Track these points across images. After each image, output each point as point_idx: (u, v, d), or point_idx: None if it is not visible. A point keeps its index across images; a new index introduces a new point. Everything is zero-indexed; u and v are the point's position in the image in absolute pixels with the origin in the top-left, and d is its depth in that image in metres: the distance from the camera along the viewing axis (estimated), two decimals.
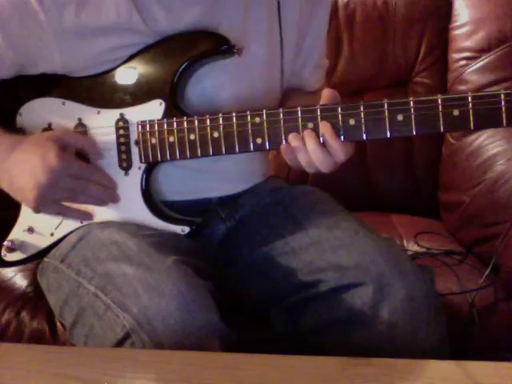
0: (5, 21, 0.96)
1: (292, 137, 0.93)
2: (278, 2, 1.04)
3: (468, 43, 1.61)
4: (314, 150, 0.92)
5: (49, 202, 0.99)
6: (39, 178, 0.94)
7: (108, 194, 1.02)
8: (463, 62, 1.62)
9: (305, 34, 1.12)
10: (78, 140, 1.00)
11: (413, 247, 1.41)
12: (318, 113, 0.92)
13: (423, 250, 1.39)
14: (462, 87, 1.60)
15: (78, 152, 1.00)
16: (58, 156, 0.94)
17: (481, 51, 1.59)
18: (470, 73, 1.60)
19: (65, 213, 1.03)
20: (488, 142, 1.50)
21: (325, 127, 0.92)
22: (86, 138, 1.02)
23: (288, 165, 0.97)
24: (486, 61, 1.58)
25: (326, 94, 0.94)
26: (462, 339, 1.16)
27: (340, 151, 0.92)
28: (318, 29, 1.14)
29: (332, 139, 0.91)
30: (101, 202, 1.02)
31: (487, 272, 1.22)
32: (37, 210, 1.00)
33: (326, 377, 0.75)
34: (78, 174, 0.97)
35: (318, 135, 0.92)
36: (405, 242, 1.45)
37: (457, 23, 1.65)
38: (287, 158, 0.95)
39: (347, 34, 1.69)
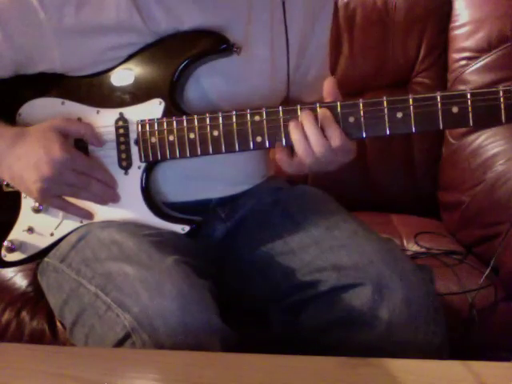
0: (5, 19, 0.96)
1: (292, 124, 0.93)
2: (283, 3, 1.03)
3: (468, 43, 1.61)
4: (309, 127, 0.92)
5: (51, 195, 0.99)
6: (43, 171, 0.95)
7: (109, 193, 1.02)
8: (463, 62, 1.62)
9: (308, 40, 1.11)
10: (79, 127, 1.00)
11: (413, 247, 1.41)
12: (317, 111, 0.92)
13: (423, 250, 1.39)
14: (462, 87, 1.59)
15: (79, 147, 1.01)
16: (62, 149, 0.95)
17: (481, 51, 1.59)
18: (470, 73, 1.60)
19: (66, 208, 1.03)
20: (488, 142, 1.50)
21: (323, 113, 0.92)
22: (86, 124, 1.01)
23: None
24: (485, 61, 1.58)
25: (328, 88, 0.94)
26: (462, 339, 1.16)
27: (337, 136, 0.91)
28: (320, 36, 1.13)
29: (330, 124, 0.91)
30: (102, 200, 1.02)
31: (487, 272, 1.22)
32: (40, 202, 1.00)
33: (325, 377, 0.75)
34: (81, 168, 0.98)
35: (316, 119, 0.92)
36: (405, 242, 1.44)
37: (457, 23, 1.65)
38: (295, 136, 0.93)
39: (347, 34, 1.69)
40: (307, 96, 1.17)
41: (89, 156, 1.02)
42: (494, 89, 0.87)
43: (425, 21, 1.67)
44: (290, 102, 1.13)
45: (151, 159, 1.00)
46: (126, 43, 0.99)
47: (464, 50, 1.62)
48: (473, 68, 1.60)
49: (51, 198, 0.99)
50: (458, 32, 1.64)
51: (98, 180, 1.00)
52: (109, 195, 1.02)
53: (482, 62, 1.58)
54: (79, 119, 1.02)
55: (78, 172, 0.97)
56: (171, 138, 0.98)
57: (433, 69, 1.68)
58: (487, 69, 1.58)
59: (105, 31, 0.97)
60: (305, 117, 0.93)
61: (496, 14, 1.59)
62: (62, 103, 1.03)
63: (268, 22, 1.04)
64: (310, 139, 0.92)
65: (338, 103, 0.92)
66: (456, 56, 1.64)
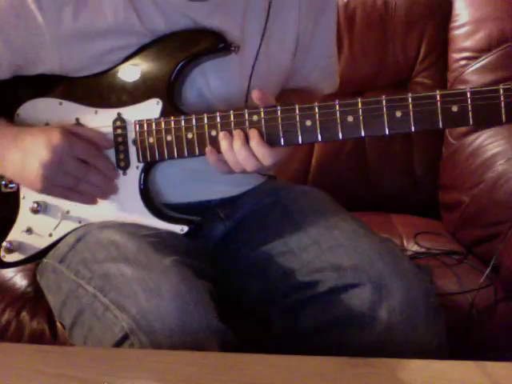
0: (3, 24, 0.96)
1: (222, 135, 0.94)
2: (270, 3, 1.03)
3: (468, 43, 1.61)
4: (239, 149, 0.93)
5: (53, 184, 0.98)
6: (43, 157, 0.94)
7: (108, 184, 1.01)
8: (463, 62, 1.62)
9: (309, 42, 1.11)
10: (83, 132, 1.00)
11: (413, 247, 1.41)
12: (316, 110, 0.92)
13: (423, 250, 1.39)
14: (462, 87, 1.59)
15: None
16: (62, 134, 0.95)
17: (481, 51, 1.59)
18: (470, 73, 1.60)
19: (70, 196, 1.02)
20: (488, 142, 1.49)
21: (252, 133, 0.93)
22: (89, 129, 1.01)
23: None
24: (486, 61, 1.58)
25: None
26: (462, 339, 1.16)
27: (268, 156, 0.93)
28: (323, 35, 1.13)
29: (258, 146, 0.92)
30: (101, 191, 1.02)
31: (487, 272, 1.22)
32: (43, 192, 1.00)
33: (325, 377, 0.75)
34: (80, 154, 0.97)
35: (246, 136, 0.93)
36: (405, 242, 1.44)
37: (457, 23, 1.65)
38: (212, 158, 0.96)
39: (347, 34, 1.69)
40: (322, 90, 1.22)
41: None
42: (494, 87, 0.86)
43: (425, 21, 1.67)
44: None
45: (149, 159, 1.00)
46: (125, 45, 0.99)
47: (464, 49, 1.62)
48: (473, 68, 1.60)
49: (53, 186, 0.98)
50: (458, 32, 1.64)
51: (97, 169, 0.99)
52: (108, 186, 1.01)
53: (482, 62, 1.58)
54: (77, 119, 1.02)
55: (78, 159, 0.97)
56: (169, 138, 0.98)
57: (433, 69, 1.68)
58: (487, 69, 1.58)
59: (103, 34, 0.97)
60: (236, 137, 0.94)
61: (496, 14, 1.59)
62: (60, 103, 1.03)
63: (261, 22, 1.03)
64: (238, 157, 0.93)
65: (337, 102, 0.91)
66: (456, 56, 1.64)
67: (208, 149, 0.96)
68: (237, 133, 0.94)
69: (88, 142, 0.99)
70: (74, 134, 0.98)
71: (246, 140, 0.93)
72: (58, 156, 0.95)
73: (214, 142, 0.96)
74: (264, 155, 0.93)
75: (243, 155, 0.93)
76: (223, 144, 0.94)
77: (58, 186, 0.99)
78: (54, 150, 0.94)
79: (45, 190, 0.99)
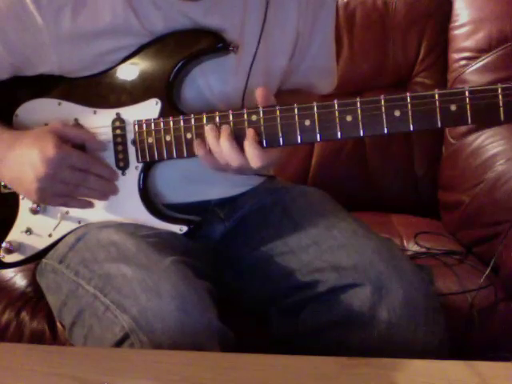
0: (2, 25, 0.96)
1: (209, 127, 0.94)
2: (267, 2, 1.03)
3: (468, 43, 1.61)
4: (224, 142, 0.92)
5: (50, 195, 0.98)
6: (38, 170, 0.94)
7: (108, 186, 1.01)
8: (463, 62, 1.62)
9: (308, 40, 1.11)
10: (77, 134, 1.00)
11: (413, 247, 1.41)
12: (315, 110, 0.92)
13: (423, 249, 1.39)
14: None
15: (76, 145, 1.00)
16: (56, 146, 0.94)
17: (481, 51, 1.59)
18: (470, 73, 1.60)
19: (68, 204, 1.02)
20: (488, 142, 1.50)
21: (248, 133, 0.92)
22: (85, 131, 1.01)
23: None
24: (486, 61, 1.58)
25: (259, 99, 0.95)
26: (462, 339, 1.16)
27: (257, 158, 0.92)
28: (322, 35, 1.13)
29: (249, 146, 0.92)
30: (101, 194, 1.02)
31: (487, 272, 1.22)
32: (40, 202, 1.00)
33: (325, 377, 0.75)
34: (76, 165, 0.97)
35: (232, 131, 0.93)
36: (405, 242, 1.44)
37: (457, 23, 1.65)
38: (200, 152, 0.95)
39: (347, 34, 1.69)
40: (320, 89, 1.22)
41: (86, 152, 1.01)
42: (492, 86, 0.86)
43: (425, 21, 1.67)
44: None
45: (148, 159, 1.00)
46: (124, 45, 0.99)
47: (464, 49, 1.62)
48: (473, 68, 1.60)
49: (50, 197, 0.99)
50: (457, 32, 1.64)
51: (95, 175, 0.99)
52: (108, 188, 1.01)
53: (482, 62, 1.58)
54: (76, 120, 1.02)
55: (75, 169, 0.97)
56: (168, 138, 0.98)
57: (433, 69, 1.68)
58: (487, 69, 1.58)
59: (102, 35, 0.97)
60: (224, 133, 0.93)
61: (496, 14, 1.59)
62: (59, 104, 1.03)
63: (259, 21, 1.03)
64: (224, 152, 0.93)
65: (336, 102, 0.91)
66: (456, 56, 1.64)
67: (197, 141, 0.95)
68: (224, 127, 0.93)
69: (83, 148, 0.99)
70: (68, 140, 0.97)
71: (233, 135, 0.93)
72: (53, 169, 0.94)
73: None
74: (253, 156, 0.92)
75: (227, 148, 0.92)
76: (209, 137, 0.93)
77: (55, 195, 0.99)
78: (48, 163, 0.94)
79: (41, 200, 1.00)
